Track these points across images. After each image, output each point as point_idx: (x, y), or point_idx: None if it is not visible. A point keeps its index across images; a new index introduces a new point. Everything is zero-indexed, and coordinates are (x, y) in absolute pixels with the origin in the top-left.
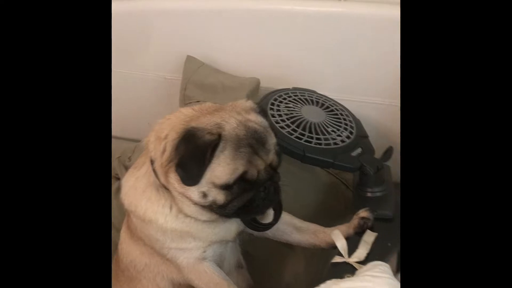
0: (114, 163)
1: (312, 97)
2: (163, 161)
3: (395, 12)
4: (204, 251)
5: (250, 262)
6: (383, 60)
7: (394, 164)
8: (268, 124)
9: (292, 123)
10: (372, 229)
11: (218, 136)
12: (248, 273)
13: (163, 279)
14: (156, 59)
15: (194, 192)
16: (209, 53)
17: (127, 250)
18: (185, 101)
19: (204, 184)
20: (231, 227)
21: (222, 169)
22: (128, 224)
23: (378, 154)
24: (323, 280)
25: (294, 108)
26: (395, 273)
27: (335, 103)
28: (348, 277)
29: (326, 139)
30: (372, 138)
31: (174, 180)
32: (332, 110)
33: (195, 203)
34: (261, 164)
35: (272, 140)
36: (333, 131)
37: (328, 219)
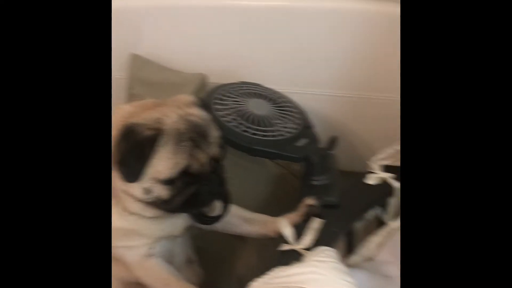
0: None
1: (258, 90)
2: None
3: (341, 4)
4: (151, 248)
5: (202, 257)
6: (328, 53)
7: (339, 153)
8: (211, 117)
9: (239, 116)
10: (318, 216)
11: (158, 131)
12: (200, 267)
13: (113, 279)
14: None
15: (136, 188)
16: (154, 50)
17: None
18: (132, 99)
19: (146, 180)
20: (178, 222)
21: (163, 163)
22: None
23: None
24: (271, 268)
25: (241, 102)
26: (342, 258)
27: (281, 95)
28: (295, 264)
29: (272, 131)
30: (318, 128)
31: (116, 177)
32: (278, 103)
33: (139, 200)
34: (203, 157)
35: (214, 133)
36: (279, 123)
37: (278, 209)
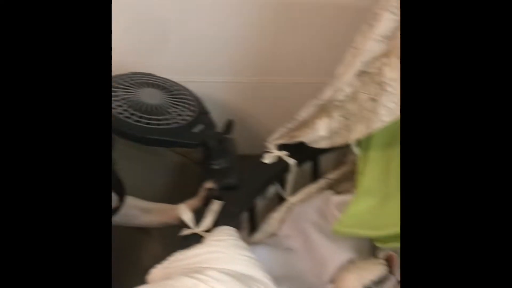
0: None
1: (150, 80)
2: None
3: None
4: None
5: None
6: (220, 42)
7: (240, 138)
8: None
9: (130, 107)
10: (218, 198)
11: None
12: None
13: None
14: None
15: None
16: None
17: None
18: None
19: None
20: None
21: None
22: None
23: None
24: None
25: (132, 92)
26: (246, 236)
27: (175, 84)
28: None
29: (166, 120)
30: (215, 115)
31: None
32: (171, 91)
33: None
34: None
35: None
36: (173, 111)
37: (181, 197)
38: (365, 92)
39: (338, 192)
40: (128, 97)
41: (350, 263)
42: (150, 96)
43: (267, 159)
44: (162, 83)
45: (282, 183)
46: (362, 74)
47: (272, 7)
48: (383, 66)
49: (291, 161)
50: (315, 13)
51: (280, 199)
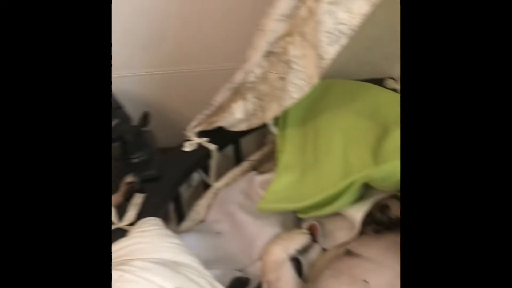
0: None
1: None
2: None
3: None
4: None
5: None
6: (132, 33)
7: (160, 130)
8: None
9: None
10: (140, 191)
11: None
12: None
13: None
14: None
15: None
16: None
17: None
18: None
19: None
20: None
21: None
22: None
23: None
24: None
25: None
26: (175, 225)
27: None
28: None
29: None
30: (130, 108)
31: None
32: None
33: None
34: None
35: None
36: None
37: None
38: (273, 71)
39: (261, 172)
40: None
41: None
42: None
43: (187, 147)
44: None
45: (206, 170)
46: (269, 54)
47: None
48: (287, 45)
49: (212, 147)
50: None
51: (205, 186)
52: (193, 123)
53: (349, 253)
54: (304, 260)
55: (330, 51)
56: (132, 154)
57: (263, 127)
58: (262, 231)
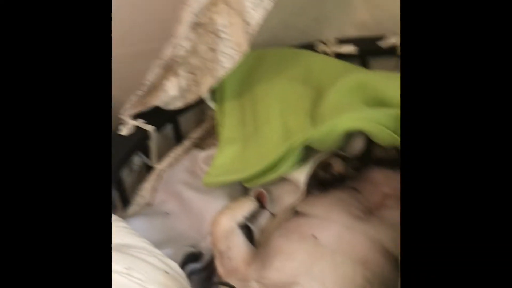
0: None
1: None
2: None
3: None
4: None
5: None
6: None
7: None
8: None
9: None
10: None
11: None
12: None
13: None
14: None
15: None
16: None
17: None
18: None
19: None
20: None
21: None
22: None
23: None
24: None
25: None
26: (120, 211)
27: None
28: None
29: None
30: None
31: None
32: None
33: None
34: None
35: None
36: None
37: None
38: (203, 43)
39: (204, 149)
40: None
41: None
42: None
43: (124, 131)
44: None
45: (146, 152)
46: (196, 26)
47: None
48: (213, 14)
49: (149, 128)
50: None
51: (148, 169)
52: (127, 105)
53: (296, 213)
54: (255, 227)
55: (255, 16)
56: None
57: (201, 103)
58: (210, 205)
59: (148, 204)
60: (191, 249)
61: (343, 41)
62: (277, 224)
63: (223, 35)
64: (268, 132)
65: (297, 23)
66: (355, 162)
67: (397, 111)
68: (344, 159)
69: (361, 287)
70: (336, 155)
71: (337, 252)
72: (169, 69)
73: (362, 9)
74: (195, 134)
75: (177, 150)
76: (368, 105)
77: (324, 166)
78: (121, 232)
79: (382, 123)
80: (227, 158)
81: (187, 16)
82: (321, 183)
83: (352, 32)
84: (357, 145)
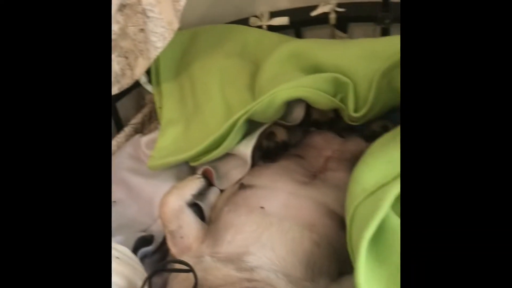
0: None
1: None
2: None
3: None
4: None
5: None
6: None
7: None
8: None
9: None
10: None
11: None
12: None
13: None
14: None
15: None
16: None
17: None
18: None
19: None
20: None
21: None
22: None
23: None
24: None
25: None
26: None
27: None
28: None
29: None
30: None
31: None
32: None
33: None
34: None
35: None
36: None
37: None
38: (132, 24)
39: (146, 134)
40: None
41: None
42: None
43: None
44: None
45: None
46: (123, 7)
47: None
48: None
49: None
50: None
51: None
52: None
53: (243, 186)
54: (204, 205)
55: None
56: None
57: (139, 87)
58: (159, 189)
59: None
60: (142, 234)
61: (276, 14)
62: (225, 199)
63: (151, 14)
64: (210, 109)
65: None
66: (297, 129)
67: (332, 75)
68: (286, 127)
69: (309, 249)
70: (278, 124)
71: (284, 219)
72: None
73: None
74: (135, 119)
75: (118, 138)
76: (304, 72)
77: (267, 135)
78: None
79: (319, 88)
80: (170, 139)
81: None
82: (266, 152)
83: (285, 4)
84: (298, 113)
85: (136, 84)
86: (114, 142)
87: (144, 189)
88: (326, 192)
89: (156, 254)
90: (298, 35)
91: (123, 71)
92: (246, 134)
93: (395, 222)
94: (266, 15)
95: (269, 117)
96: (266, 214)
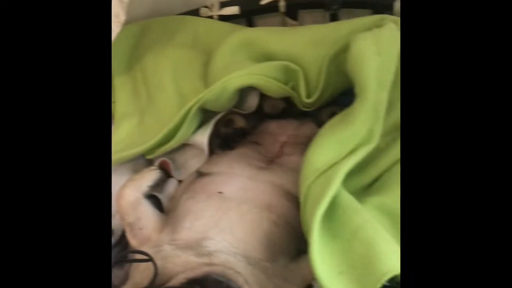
0: None
1: None
2: None
3: None
4: None
5: None
6: None
7: None
8: None
9: None
10: None
11: None
12: None
13: None
14: None
15: None
16: None
17: None
18: None
19: None
20: None
21: None
22: None
23: None
24: None
25: None
26: None
27: None
28: None
29: None
30: None
31: None
32: None
33: None
34: None
35: None
36: None
37: None
38: None
39: None
40: None
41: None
42: None
43: None
44: None
45: None
46: None
47: None
48: None
49: None
50: None
51: None
52: None
53: (201, 174)
54: (163, 196)
55: None
56: None
57: None
58: (116, 183)
59: None
60: None
61: (226, 3)
62: (184, 188)
63: None
64: (163, 101)
65: None
66: (253, 116)
67: (282, 63)
68: (243, 115)
69: (268, 229)
70: (233, 112)
71: (243, 202)
72: None
73: None
74: None
75: None
76: (256, 61)
77: (225, 122)
78: None
79: (270, 75)
80: (125, 133)
81: None
82: (224, 139)
83: None
84: (252, 101)
85: None
86: None
87: None
88: (282, 175)
89: (117, 248)
90: (250, 24)
91: None
92: (202, 124)
93: (346, 198)
94: (217, 5)
95: (223, 106)
96: (224, 199)
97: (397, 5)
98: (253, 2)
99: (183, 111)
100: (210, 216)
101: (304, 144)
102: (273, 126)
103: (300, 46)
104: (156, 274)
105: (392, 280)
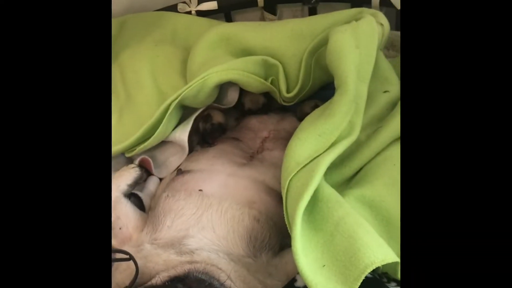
0: None
1: None
2: None
3: None
4: None
5: None
6: None
7: None
8: None
9: None
10: None
11: None
12: None
13: None
14: None
15: None
16: None
17: None
18: None
19: None
20: None
21: None
22: None
23: None
24: None
25: None
26: None
27: None
28: None
29: None
30: None
31: None
32: None
33: None
34: None
35: None
36: None
37: None
38: None
39: None
40: None
41: None
42: None
43: None
44: None
45: None
46: None
47: None
48: None
49: None
50: None
51: None
52: None
53: (181, 172)
54: (143, 194)
55: None
56: None
57: None
58: None
59: None
60: None
61: None
62: (164, 186)
63: None
64: (142, 98)
65: None
66: (233, 112)
67: (261, 57)
68: (222, 110)
69: (249, 226)
70: (211, 107)
71: (223, 199)
72: None
73: None
74: None
75: None
76: (235, 56)
77: (204, 118)
78: None
79: (250, 70)
80: None
81: None
82: (203, 135)
83: None
84: (232, 96)
85: None
86: None
87: None
88: (263, 171)
89: None
90: (228, 19)
91: None
92: (182, 121)
93: (328, 192)
94: (195, 1)
95: (202, 102)
96: (205, 196)
97: None
98: None
99: (162, 108)
100: (190, 214)
101: (285, 139)
102: (253, 121)
103: (279, 41)
104: (137, 273)
105: (374, 271)
